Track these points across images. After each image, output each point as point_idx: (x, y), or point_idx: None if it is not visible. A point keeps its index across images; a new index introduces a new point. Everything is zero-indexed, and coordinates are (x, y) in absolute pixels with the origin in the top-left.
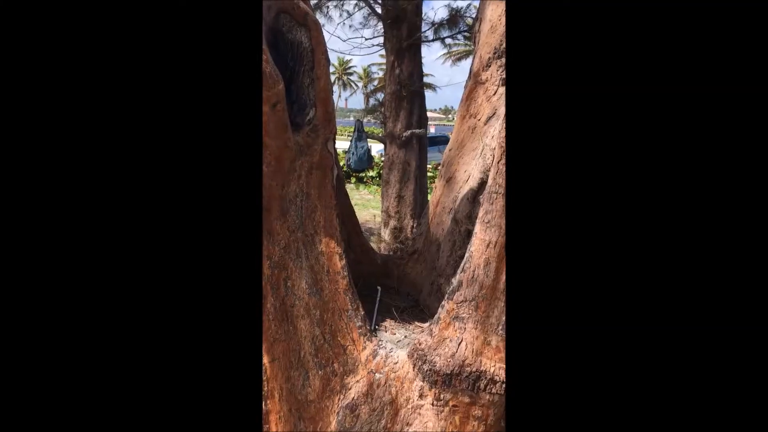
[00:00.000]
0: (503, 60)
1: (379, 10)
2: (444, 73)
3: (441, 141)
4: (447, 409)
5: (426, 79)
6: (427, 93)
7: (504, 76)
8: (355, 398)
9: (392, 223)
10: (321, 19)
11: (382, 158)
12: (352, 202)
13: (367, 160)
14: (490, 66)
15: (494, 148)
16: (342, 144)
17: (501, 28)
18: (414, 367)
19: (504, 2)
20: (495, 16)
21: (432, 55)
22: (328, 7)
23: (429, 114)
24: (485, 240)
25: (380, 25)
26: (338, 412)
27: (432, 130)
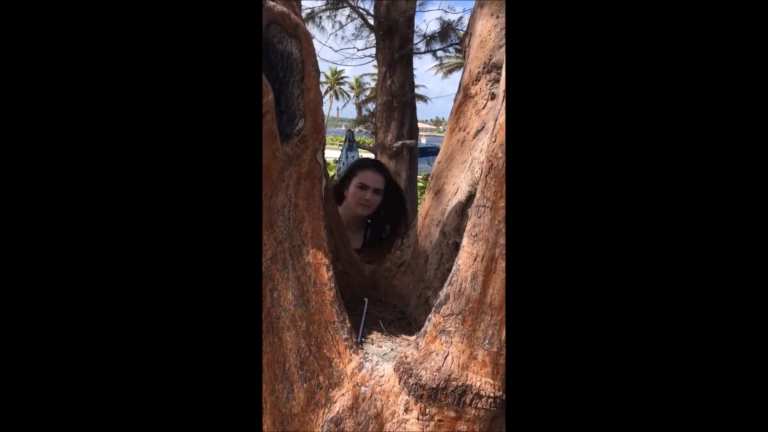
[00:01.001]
0: (492, 74)
1: (371, 22)
2: (436, 84)
3: (432, 152)
4: (432, 423)
5: (418, 90)
6: (419, 104)
7: (492, 90)
8: (340, 412)
9: None
10: (313, 30)
11: None
12: None
13: None
14: (479, 80)
15: (482, 162)
16: (333, 153)
17: (490, 43)
18: (400, 381)
19: (493, 18)
20: (485, 31)
21: (424, 66)
22: (320, 17)
23: (420, 125)
24: (472, 253)
25: (372, 37)
26: (323, 426)
27: (423, 141)
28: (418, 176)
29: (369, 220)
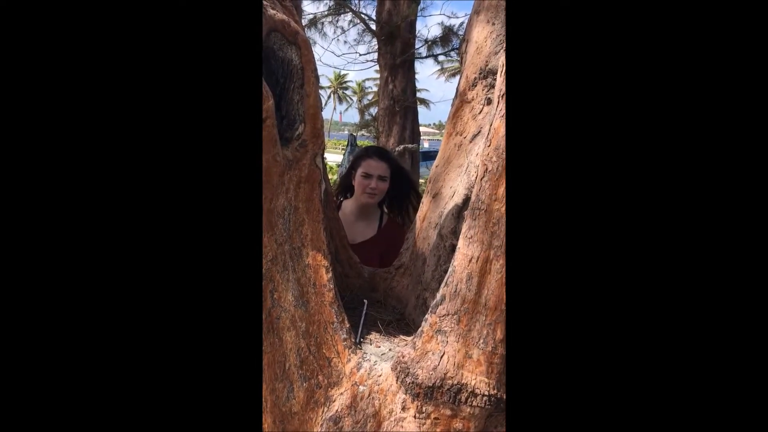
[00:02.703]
0: (488, 80)
1: (373, 27)
2: (438, 88)
3: (434, 156)
4: (429, 421)
5: (421, 95)
6: (421, 108)
7: (488, 95)
8: (339, 410)
9: None
10: (315, 35)
11: None
12: None
13: None
14: (475, 86)
15: (478, 166)
16: (335, 157)
17: (486, 49)
18: (397, 380)
19: (489, 25)
20: (481, 37)
21: (427, 71)
22: (323, 23)
23: (423, 129)
24: (468, 255)
25: (374, 41)
26: (322, 424)
27: (426, 144)
28: (421, 180)
29: (385, 209)
